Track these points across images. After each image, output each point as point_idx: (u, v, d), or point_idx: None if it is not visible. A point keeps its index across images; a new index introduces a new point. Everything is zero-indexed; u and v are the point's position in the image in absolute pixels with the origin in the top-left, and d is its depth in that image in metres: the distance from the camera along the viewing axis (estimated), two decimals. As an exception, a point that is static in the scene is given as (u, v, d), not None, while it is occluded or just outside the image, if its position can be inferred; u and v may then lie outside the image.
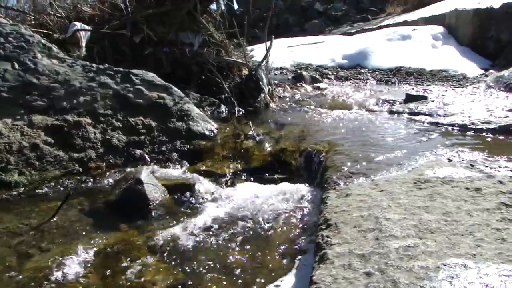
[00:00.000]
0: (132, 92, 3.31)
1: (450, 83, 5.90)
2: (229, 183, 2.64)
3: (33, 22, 4.75)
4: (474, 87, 5.39)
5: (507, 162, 2.29)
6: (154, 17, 4.56)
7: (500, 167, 2.21)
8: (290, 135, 3.32)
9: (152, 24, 4.52)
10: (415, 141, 2.87)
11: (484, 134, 3.08)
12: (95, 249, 1.83)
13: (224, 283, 1.61)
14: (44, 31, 4.39)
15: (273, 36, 5.20)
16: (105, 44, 4.41)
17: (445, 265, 1.33)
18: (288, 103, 4.76)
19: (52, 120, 2.86)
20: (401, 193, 1.92)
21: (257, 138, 3.29)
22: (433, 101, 4.41)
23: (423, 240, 1.50)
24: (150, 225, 2.08)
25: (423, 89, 5.45)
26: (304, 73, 6.30)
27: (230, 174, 2.78)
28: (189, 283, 1.61)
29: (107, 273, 1.66)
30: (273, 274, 1.66)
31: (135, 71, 3.52)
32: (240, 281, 1.62)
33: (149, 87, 3.43)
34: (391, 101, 4.71)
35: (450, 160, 2.39)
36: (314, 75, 6.32)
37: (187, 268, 1.70)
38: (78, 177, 2.62)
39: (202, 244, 1.89)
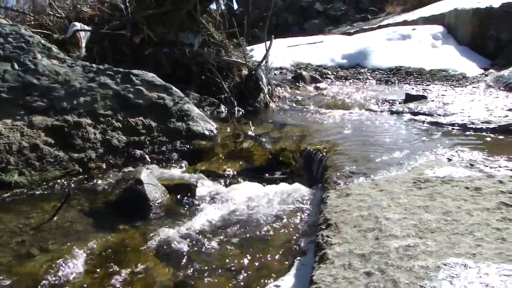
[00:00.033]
0: (132, 93, 3.31)
1: (449, 82, 5.91)
2: (229, 183, 2.64)
3: (32, 23, 4.75)
4: (473, 87, 5.39)
5: (507, 161, 2.30)
6: (154, 17, 4.57)
7: (500, 166, 2.22)
8: (290, 135, 3.32)
9: (152, 24, 4.52)
10: (415, 140, 2.87)
11: (484, 133, 3.08)
12: (95, 249, 1.83)
13: (224, 283, 1.61)
14: (44, 31, 4.39)
15: (273, 36, 5.21)
16: (105, 44, 4.41)
17: (445, 265, 1.33)
18: (288, 103, 4.76)
19: (52, 121, 2.86)
20: (401, 193, 1.92)
21: (257, 138, 3.29)
22: (433, 100, 4.42)
23: (423, 239, 1.50)
24: (150, 225, 2.08)
25: (423, 89, 5.45)
26: (304, 73, 6.30)
27: (230, 174, 2.78)
28: (189, 283, 1.61)
29: (107, 273, 1.66)
30: (273, 274, 1.66)
31: (135, 71, 3.52)
32: (240, 281, 1.62)
33: (149, 88, 3.43)
34: (391, 101, 4.71)
35: (450, 160, 2.39)
36: (314, 75, 6.32)
37: (187, 268, 1.70)
38: (78, 178, 2.62)
39: (202, 244, 1.89)
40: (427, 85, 5.79)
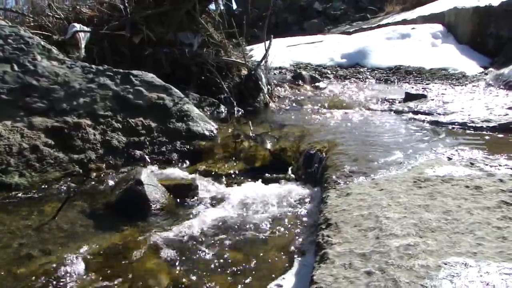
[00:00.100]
0: (132, 93, 3.31)
1: (449, 81, 5.90)
2: (229, 183, 2.64)
3: (32, 24, 4.75)
4: (473, 85, 5.39)
5: (507, 160, 2.29)
6: (153, 17, 4.56)
7: (500, 165, 2.21)
8: (289, 134, 3.32)
9: (151, 24, 4.52)
10: (414, 139, 2.87)
11: (484, 132, 3.08)
12: (95, 250, 1.83)
13: (225, 283, 1.61)
14: (43, 32, 4.39)
15: (272, 36, 5.20)
16: (104, 45, 4.41)
17: (445, 264, 1.33)
18: (288, 103, 4.76)
19: (52, 122, 2.86)
20: (401, 192, 1.92)
21: (257, 138, 3.29)
22: (432, 99, 4.41)
23: (424, 238, 1.50)
24: (150, 226, 2.08)
25: (422, 88, 5.45)
26: (304, 72, 6.30)
27: (230, 174, 2.78)
28: (189, 283, 1.61)
29: (108, 274, 1.66)
30: (273, 274, 1.66)
31: (134, 72, 3.52)
32: (240, 281, 1.62)
33: (149, 88, 3.43)
34: (390, 100, 4.71)
35: (450, 159, 2.39)
36: (314, 75, 6.32)
37: (187, 268, 1.70)
38: (78, 179, 2.63)
39: (202, 244, 1.89)
40: (426, 84, 5.78)
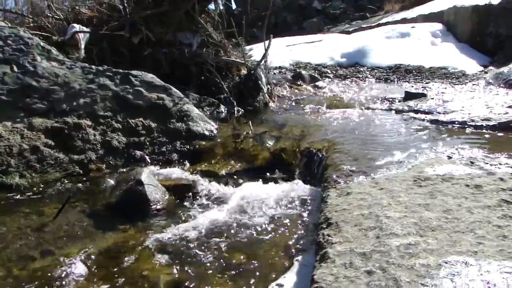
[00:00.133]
0: (132, 93, 3.31)
1: (449, 80, 5.90)
2: (229, 183, 2.64)
3: (31, 25, 4.75)
4: (473, 84, 5.39)
5: (507, 159, 2.29)
6: (152, 17, 4.56)
7: (500, 164, 2.21)
8: (289, 134, 3.32)
9: (150, 25, 4.52)
10: (414, 138, 2.87)
11: (484, 131, 3.08)
12: (96, 250, 1.83)
13: (225, 282, 1.61)
14: (43, 33, 4.38)
15: (272, 35, 5.20)
16: (104, 45, 4.41)
17: (446, 263, 1.33)
18: (288, 102, 4.76)
19: (52, 123, 2.86)
20: (401, 191, 1.92)
21: (257, 138, 3.29)
22: (432, 98, 4.41)
23: (424, 238, 1.50)
24: (150, 226, 2.08)
25: (422, 87, 5.45)
26: (303, 72, 6.30)
27: (230, 174, 2.78)
28: (190, 283, 1.61)
29: (108, 274, 1.66)
30: (274, 273, 1.66)
31: (134, 72, 3.52)
32: (241, 280, 1.62)
33: (149, 88, 3.43)
34: (390, 99, 4.71)
35: (450, 157, 2.38)
36: (313, 74, 6.32)
37: (188, 268, 1.71)
38: (79, 179, 2.63)
39: (202, 244, 1.89)
40: (426, 83, 5.78)
